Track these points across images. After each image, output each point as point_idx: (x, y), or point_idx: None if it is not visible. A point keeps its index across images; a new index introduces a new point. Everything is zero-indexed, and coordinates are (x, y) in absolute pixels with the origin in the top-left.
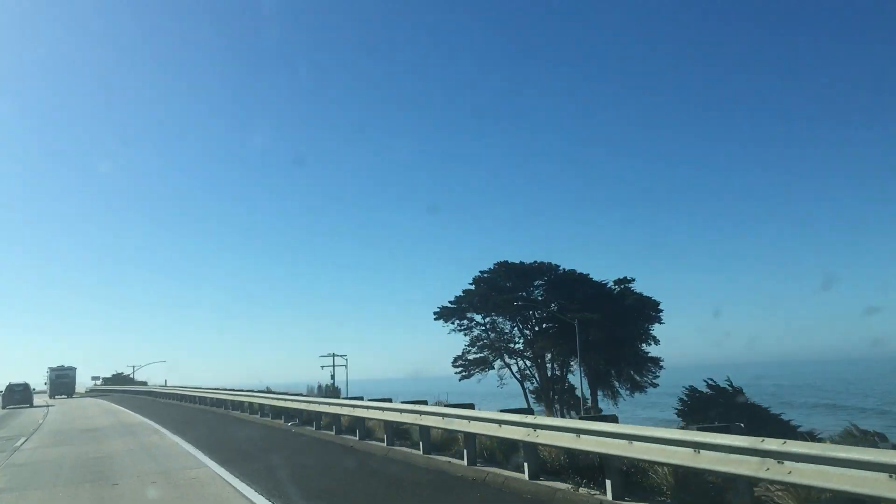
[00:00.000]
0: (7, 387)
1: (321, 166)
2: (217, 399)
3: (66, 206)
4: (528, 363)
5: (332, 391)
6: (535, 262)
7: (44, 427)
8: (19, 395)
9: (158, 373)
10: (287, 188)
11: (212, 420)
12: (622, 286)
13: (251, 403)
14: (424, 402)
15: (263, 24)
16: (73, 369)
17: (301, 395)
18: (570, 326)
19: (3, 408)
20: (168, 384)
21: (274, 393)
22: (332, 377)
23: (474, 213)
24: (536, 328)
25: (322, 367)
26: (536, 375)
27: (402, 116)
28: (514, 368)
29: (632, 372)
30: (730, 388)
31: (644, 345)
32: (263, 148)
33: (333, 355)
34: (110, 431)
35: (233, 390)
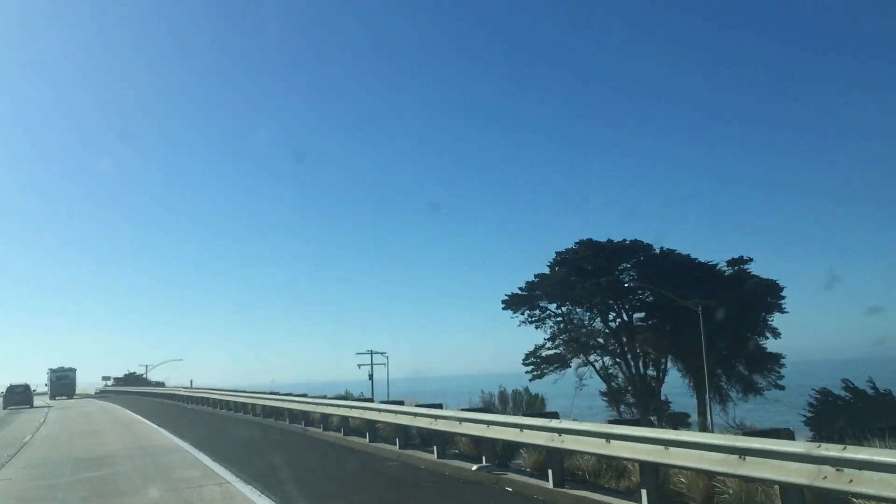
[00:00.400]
0: (8, 388)
1: (329, 162)
2: (272, 408)
3: (71, 205)
4: (616, 360)
5: (534, 402)
6: (625, 240)
7: (28, 449)
8: (20, 395)
9: (174, 372)
10: (296, 184)
11: (290, 445)
12: (736, 267)
13: (345, 418)
14: None
15: (265, 21)
16: (73, 370)
17: (470, 408)
18: (671, 318)
19: (4, 408)
20: (194, 385)
21: (397, 404)
22: (371, 377)
23: (481, 209)
24: (621, 319)
25: (359, 365)
26: (622, 374)
27: (405, 112)
28: (598, 366)
29: (746, 371)
30: (871, 391)
31: (761, 338)
32: (269, 144)
33: (371, 352)
34: (128, 468)
35: (303, 396)
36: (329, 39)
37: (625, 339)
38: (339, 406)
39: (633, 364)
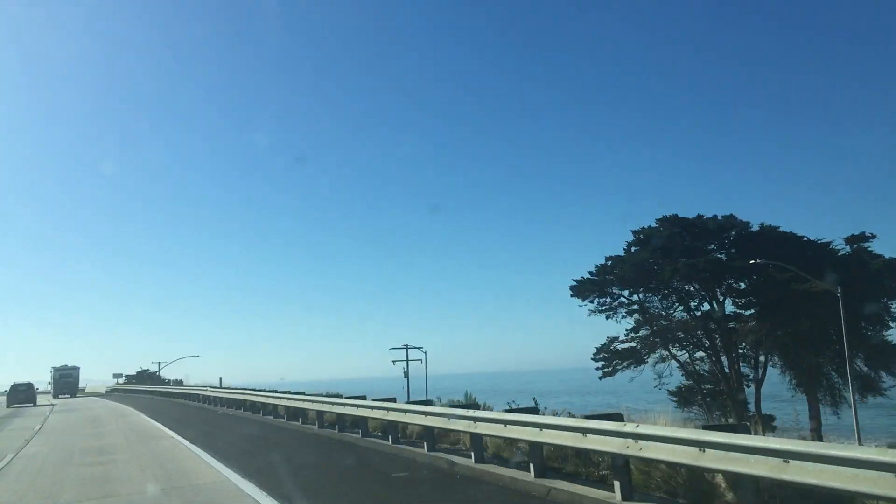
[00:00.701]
0: (11, 386)
1: (330, 161)
2: (355, 418)
3: (81, 204)
4: (709, 354)
5: None
6: (716, 215)
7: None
8: (23, 394)
9: (191, 370)
10: (302, 183)
11: (432, 490)
12: (855, 245)
13: (514, 441)
14: None
15: (267, 22)
16: (76, 369)
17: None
18: (773, 305)
19: (8, 407)
20: (224, 384)
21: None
22: (406, 374)
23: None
24: (711, 307)
25: (393, 361)
26: (711, 371)
27: (402, 109)
28: (682, 360)
29: (866, 368)
30: None
31: (885, 328)
32: (269, 144)
33: (407, 347)
34: None
35: (423, 405)
36: (330, 40)
37: (714, 329)
38: (506, 422)
39: (725, 359)
